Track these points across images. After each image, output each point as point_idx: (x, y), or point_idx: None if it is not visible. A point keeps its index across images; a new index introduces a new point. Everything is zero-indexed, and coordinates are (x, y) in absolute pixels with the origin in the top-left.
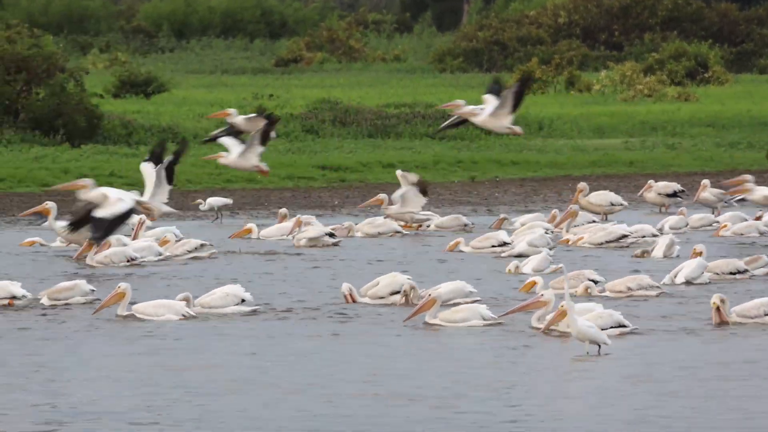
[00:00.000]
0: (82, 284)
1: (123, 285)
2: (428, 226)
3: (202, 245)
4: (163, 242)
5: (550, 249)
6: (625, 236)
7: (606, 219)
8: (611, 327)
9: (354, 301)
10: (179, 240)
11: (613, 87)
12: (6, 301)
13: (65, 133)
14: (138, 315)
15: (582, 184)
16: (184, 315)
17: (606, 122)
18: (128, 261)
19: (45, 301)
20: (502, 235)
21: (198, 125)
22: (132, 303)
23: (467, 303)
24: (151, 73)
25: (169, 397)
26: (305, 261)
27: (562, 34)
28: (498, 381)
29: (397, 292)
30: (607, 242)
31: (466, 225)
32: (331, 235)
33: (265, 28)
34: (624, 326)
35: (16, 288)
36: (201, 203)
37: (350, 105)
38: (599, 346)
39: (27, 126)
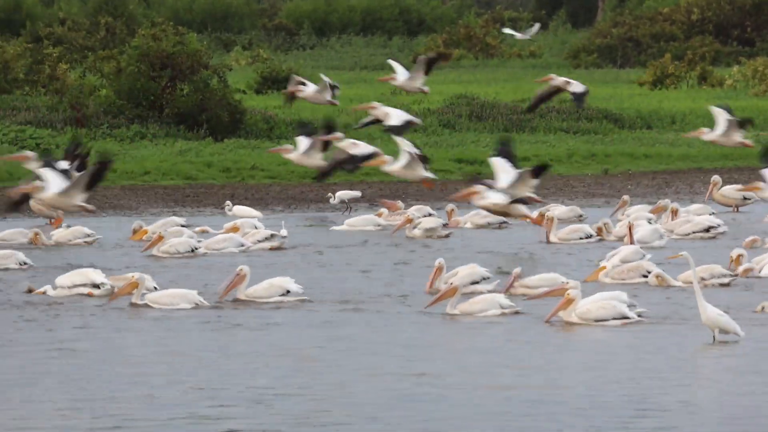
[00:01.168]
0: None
1: (137, 275)
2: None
3: (272, 235)
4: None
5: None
6: (711, 228)
7: (737, 211)
8: (614, 318)
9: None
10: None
11: (744, 82)
12: (86, 290)
13: (209, 127)
14: (151, 304)
15: (716, 177)
16: (197, 304)
17: (737, 116)
18: (192, 251)
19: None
20: (587, 228)
21: (338, 119)
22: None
23: (486, 292)
24: (293, 70)
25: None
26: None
27: (694, 30)
28: (635, 371)
29: (476, 282)
30: (693, 233)
31: (581, 216)
32: (445, 225)
33: (403, 25)
34: (627, 317)
35: (98, 276)
36: (331, 197)
37: (486, 100)
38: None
39: (171, 121)
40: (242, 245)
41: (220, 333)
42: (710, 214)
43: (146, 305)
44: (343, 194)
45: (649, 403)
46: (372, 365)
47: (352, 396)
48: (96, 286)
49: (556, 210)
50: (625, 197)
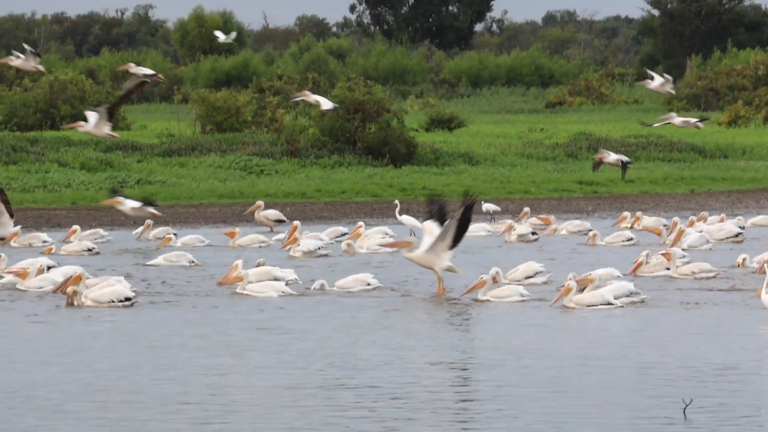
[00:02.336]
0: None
1: (239, 262)
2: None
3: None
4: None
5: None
6: (739, 234)
7: None
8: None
9: (495, 282)
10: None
11: None
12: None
13: (390, 157)
14: (247, 292)
15: None
16: (283, 293)
17: None
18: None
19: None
20: (628, 233)
21: (487, 151)
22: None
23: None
24: (453, 113)
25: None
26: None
27: (761, 82)
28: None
29: (531, 277)
30: (726, 238)
31: (665, 225)
32: (534, 233)
33: (538, 79)
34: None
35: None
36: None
37: (601, 136)
38: None
39: (362, 153)
40: None
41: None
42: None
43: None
44: (489, 206)
45: None
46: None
47: None
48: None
49: (646, 220)
50: (625, 213)
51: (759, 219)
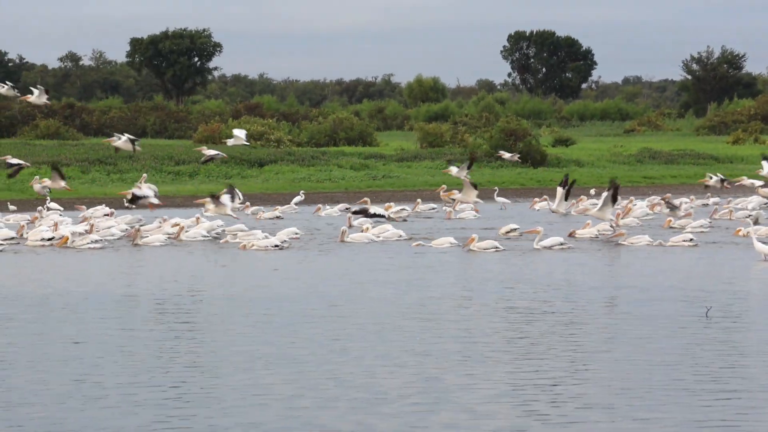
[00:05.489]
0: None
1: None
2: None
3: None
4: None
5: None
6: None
7: None
8: None
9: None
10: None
11: None
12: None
13: (531, 162)
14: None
15: None
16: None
17: None
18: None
19: None
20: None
21: (588, 158)
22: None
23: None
24: (568, 136)
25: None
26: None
27: (752, 118)
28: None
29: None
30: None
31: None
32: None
33: (619, 116)
34: None
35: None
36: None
37: (656, 150)
38: None
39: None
40: None
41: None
42: None
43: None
44: (501, 200)
45: None
46: None
47: None
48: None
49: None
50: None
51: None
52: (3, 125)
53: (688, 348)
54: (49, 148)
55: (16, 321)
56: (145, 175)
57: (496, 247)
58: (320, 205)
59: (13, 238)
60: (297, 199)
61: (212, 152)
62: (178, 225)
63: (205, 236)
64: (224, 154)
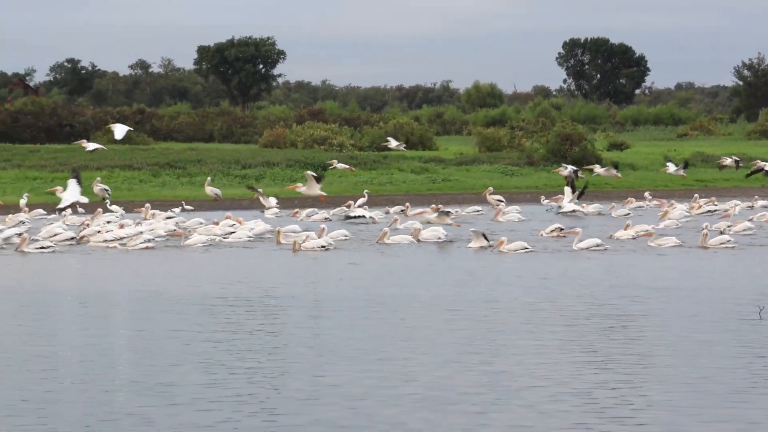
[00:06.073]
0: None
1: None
2: None
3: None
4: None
5: None
6: None
7: None
8: None
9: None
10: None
11: None
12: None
13: (585, 165)
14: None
15: None
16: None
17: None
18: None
19: None
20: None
21: (642, 162)
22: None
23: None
24: (622, 141)
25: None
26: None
27: None
28: None
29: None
30: None
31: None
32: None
33: (672, 121)
34: None
35: None
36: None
37: (708, 154)
38: None
39: (570, 163)
40: None
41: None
42: None
43: None
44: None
45: None
46: None
47: None
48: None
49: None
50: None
51: None
52: (77, 130)
53: (747, 346)
54: (121, 152)
55: (143, 317)
56: (209, 178)
57: (525, 248)
58: (348, 203)
59: (72, 239)
60: (361, 200)
61: (94, 145)
62: (232, 224)
63: (250, 238)
64: (104, 147)
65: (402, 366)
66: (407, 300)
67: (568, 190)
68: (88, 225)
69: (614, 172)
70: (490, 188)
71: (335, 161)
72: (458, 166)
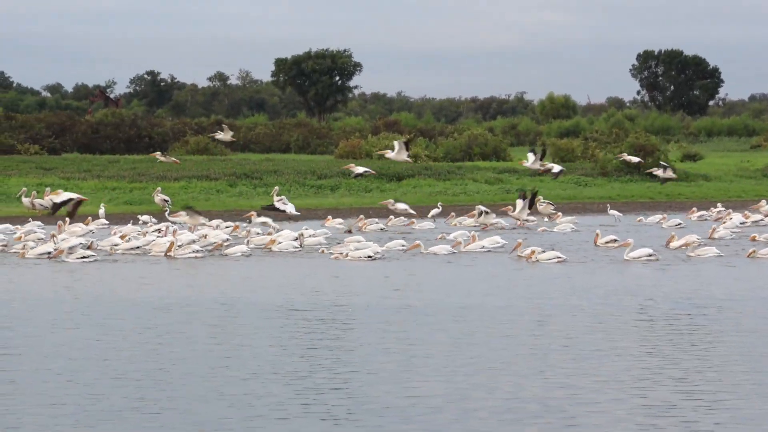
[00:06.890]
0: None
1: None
2: None
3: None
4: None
5: None
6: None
7: None
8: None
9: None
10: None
11: None
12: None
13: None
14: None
15: None
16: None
17: None
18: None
19: None
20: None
21: (716, 173)
22: None
23: None
24: (696, 152)
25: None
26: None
27: None
28: None
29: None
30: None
31: None
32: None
33: (746, 132)
34: None
35: None
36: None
37: None
38: None
39: (642, 174)
40: None
41: None
42: None
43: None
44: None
45: None
46: None
47: None
48: None
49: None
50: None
51: None
52: (156, 141)
53: None
54: (199, 163)
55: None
56: (277, 188)
57: (558, 257)
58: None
59: (138, 248)
60: (434, 211)
61: (362, 169)
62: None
63: (296, 248)
64: (373, 171)
65: (494, 376)
66: (488, 310)
67: (519, 201)
68: (54, 236)
69: (671, 173)
70: (544, 199)
71: (352, 165)
72: (532, 177)
